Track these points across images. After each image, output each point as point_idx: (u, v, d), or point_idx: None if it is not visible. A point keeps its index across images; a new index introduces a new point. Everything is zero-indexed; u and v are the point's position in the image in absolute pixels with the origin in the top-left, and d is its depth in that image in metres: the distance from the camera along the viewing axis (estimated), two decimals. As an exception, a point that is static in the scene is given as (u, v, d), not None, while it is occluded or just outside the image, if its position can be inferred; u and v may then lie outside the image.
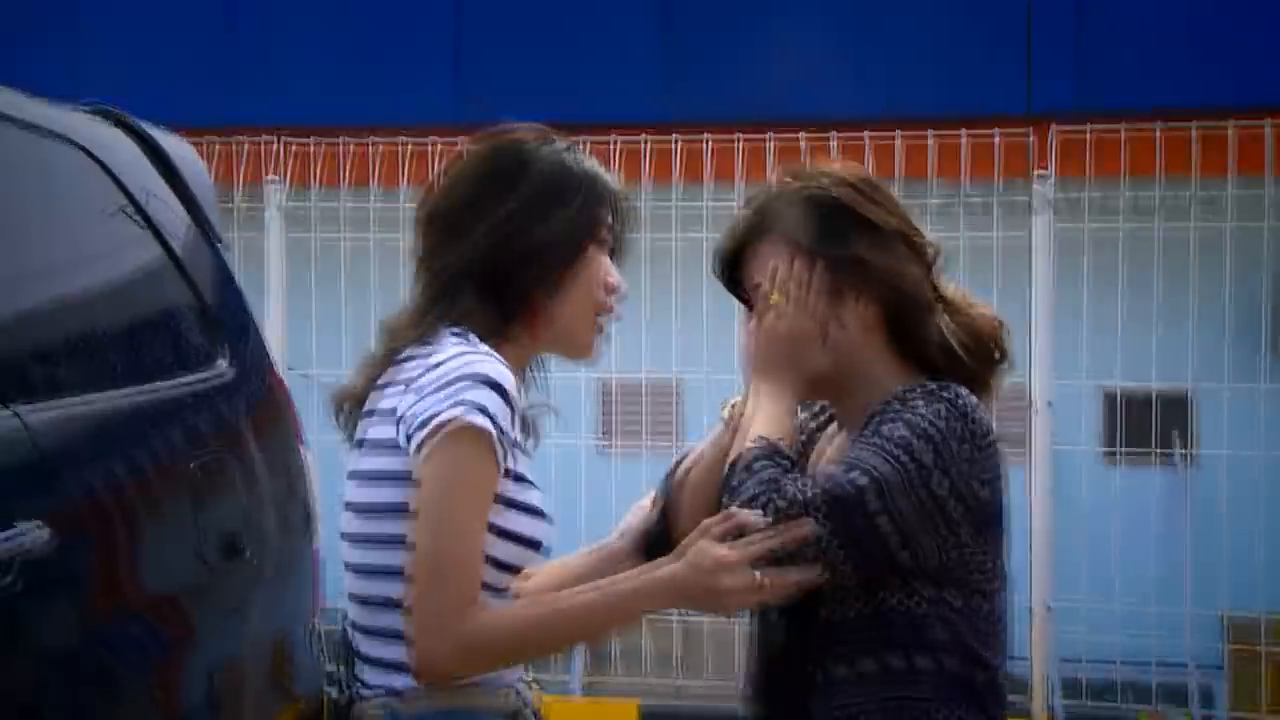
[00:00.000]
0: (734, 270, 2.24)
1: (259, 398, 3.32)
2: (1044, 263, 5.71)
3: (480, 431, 1.96)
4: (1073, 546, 6.00)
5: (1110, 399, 6.64)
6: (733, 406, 2.26)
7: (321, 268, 6.36)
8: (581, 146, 2.21)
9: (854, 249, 2.12)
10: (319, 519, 3.51)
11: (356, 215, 6.37)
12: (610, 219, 2.16)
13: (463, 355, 2.01)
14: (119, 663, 2.65)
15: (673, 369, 6.31)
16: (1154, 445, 6.31)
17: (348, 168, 6.29)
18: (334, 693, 2.21)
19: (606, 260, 2.17)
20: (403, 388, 2.03)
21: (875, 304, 2.14)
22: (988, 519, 2.07)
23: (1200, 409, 6.54)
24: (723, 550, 1.97)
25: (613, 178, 2.19)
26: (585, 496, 6.07)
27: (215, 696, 2.98)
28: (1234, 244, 5.87)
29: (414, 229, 2.20)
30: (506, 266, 2.10)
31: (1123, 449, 6.30)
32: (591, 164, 2.18)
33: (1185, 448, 6.58)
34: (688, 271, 5.95)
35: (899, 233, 2.15)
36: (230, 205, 5.91)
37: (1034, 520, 5.70)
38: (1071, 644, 6.05)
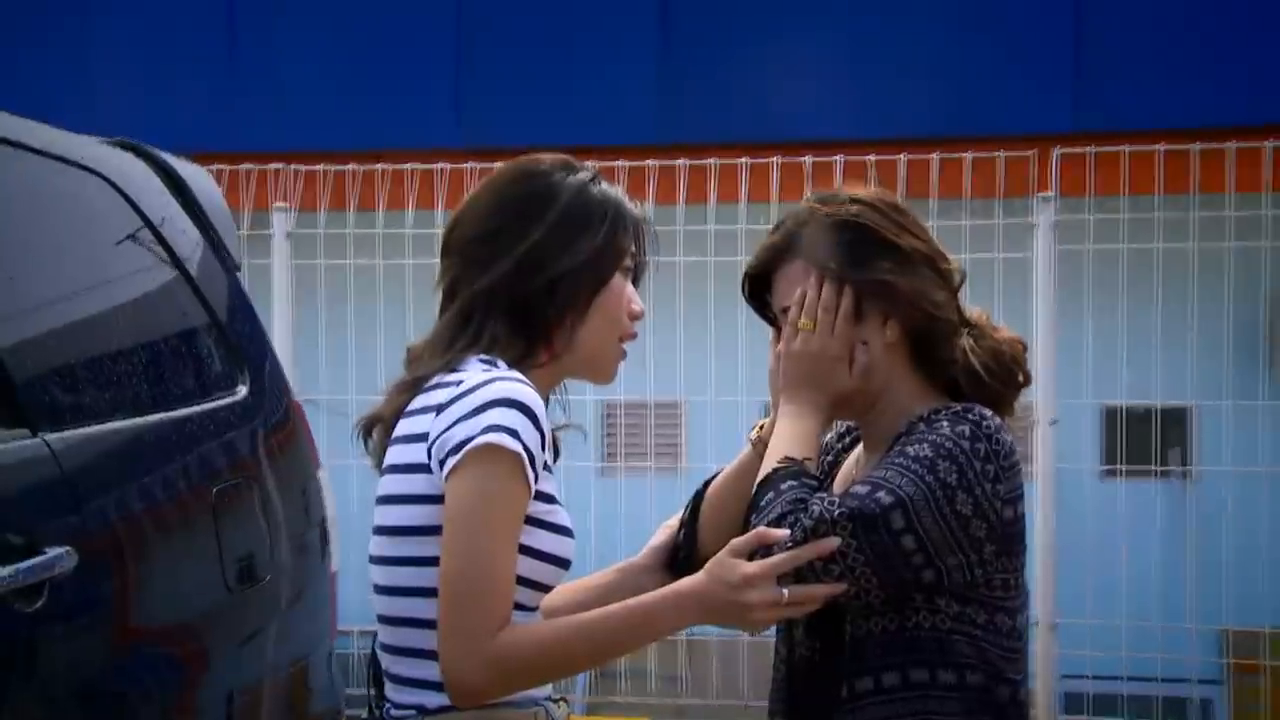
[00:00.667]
0: (761, 292, 2.29)
1: (277, 421, 3.36)
2: (1046, 281, 5.75)
3: (511, 454, 2.00)
4: (1076, 562, 6.03)
5: (1111, 416, 6.68)
6: (760, 428, 2.30)
7: (327, 292, 6.40)
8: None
9: (880, 273, 2.16)
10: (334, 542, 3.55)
11: (362, 239, 6.41)
12: (634, 246, 2.21)
13: (492, 380, 2.05)
14: (143, 686, 2.68)
15: (678, 390, 6.34)
16: (1155, 462, 6.35)
17: (353, 192, 6.33)
18: (364, 715, 2.24)
19: (630, 287, 2.22)
20: (433, 413, 2.06)
21: (901, 327, 2.18)
22: (1010, 538, 2.10)
23: (1201, 425, 6.59)
24: (749, 566, 2.01)
25: (635, 205, 2.23)
26: (592, 517, 6.10)
27: (235, 718, 3.02)
28: (1234, 262, 5.92)
29: (439, 257, 2.23)
30: (533, 295, 2.13)
31: (1124, 465, 6.34)
32: (615, 192, 2.21)
33: (1185, 464, 6.62)
34: (692, 293, 5.99)
35: (925, 257, 2.18)
36: (237, 231, 5.94)
37: (1038, 537, 5.73)
38: (1075, 659, 6.07)
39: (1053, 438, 5.81)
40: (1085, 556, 6.03)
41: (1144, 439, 6.41)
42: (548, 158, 2.23)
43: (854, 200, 2.21)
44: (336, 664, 3.56)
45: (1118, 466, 6.37)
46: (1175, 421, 6.60)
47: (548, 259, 2.14)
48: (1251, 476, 6.07)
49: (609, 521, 5.91)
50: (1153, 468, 6.36)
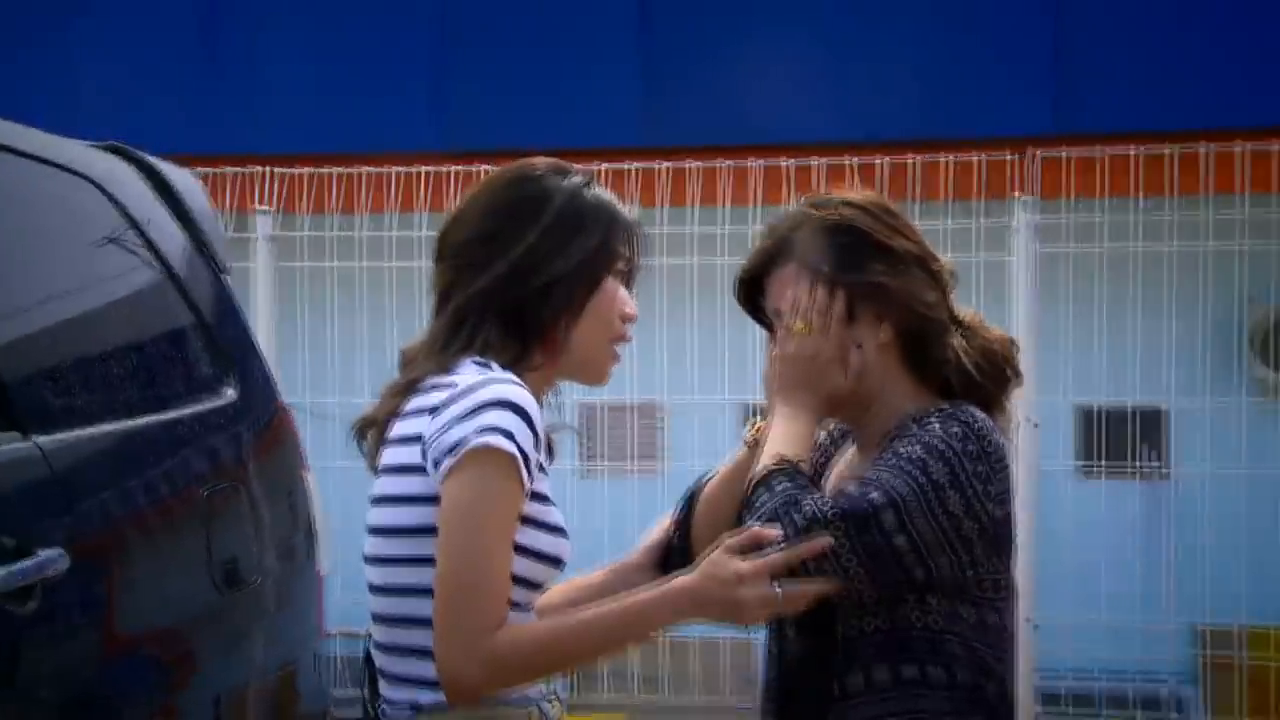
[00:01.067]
0: (755, 296, 2.31)
1: (265, 424, 3.38)
2: (1025, 283, 5.80)
3: (506, 455, 2.02)
4: (1053, 561, 6.08)
5: (1088, 416, 6.73)
6: (756, 428, 2.33)
7: (309, 295, 6.41)
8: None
9: (872, 275, 2.19)
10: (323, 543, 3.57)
11: (343, 243, 6.42)
12: (626, 250, 2.23)
13: (487, 382, 2.07)
14: (132, 687, 2.70)
15: (663, 393, 6.38)
16: (1133, 460, 6.40)
17: (335, 195, 6.34)
18: (357, 714, 2.26)
19: (622, 290, 2.24)
20: (428, 415, 2.09)
21: (893, 328, 2.21)
22: (1000, 537, 2.14)
23: (1177, 425, 6.64)
24: (742, 564, 2.03)
25: (627, 209, 2.26)
26: (574, 518, 6.11)
27: (222, 718, 3.04)
28: (1210, 263, 5.98)
29: (434, 261, 2.25)
30: (527, 298, 2.16)
31: (1102, 464, 6.39)
32: (607, 196, 2.24)
33: (1161, 463, 6.68)
34: (674, 295, 6.01)
35: (916, 258, 2.21)
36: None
37: (1017, 535, 5.76)
38: (1052, 656, 6.12)
39: (1035, 438, 5.85)
40: (1063, 555, 6.08)
41: (1121, 439, 6.46)
42: (541, 162, 2.26)
43: (846, 203, 2.24)
44: (323, 666, 3.58)
45: (1095, 465, 6.42)
46: (1152, 421, 6.66)
47: (542, 263, 2.16)
48: (1227, 476, 6.13)
49: (589, 524, 5.93)
50: (1129, 467, 6.42)
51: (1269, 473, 6.15)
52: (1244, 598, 6.12)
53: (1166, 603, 6.21)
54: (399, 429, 2.13)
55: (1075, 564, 6.14)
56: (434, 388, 2.11)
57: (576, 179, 2.23)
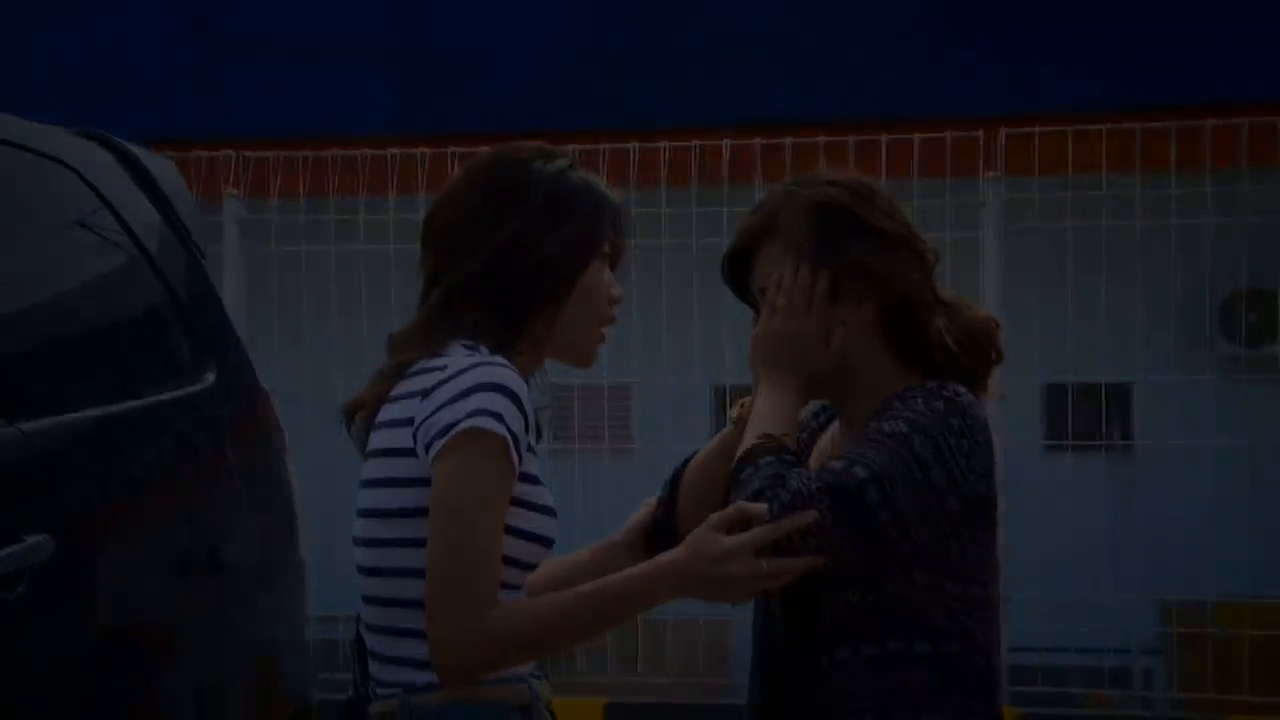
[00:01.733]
0: (739, 274, 2.33)
1: (245, 408, 3.39)
2: (995, 261, 5.84)
3: (496, 437, 2.05)
4: (1025, 537, 6.14)
5: (1057, 392, 6.79)
6: (741, 406, 2.35)
7: (280, 278, 6.40)
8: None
9: (858, 254, 2.21)
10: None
11: (313, 226, 6.41)
12: (611, 232, 2.26)
13: (476, 365, 2.10)
14: (117, 670, 2.72)
15: (636, 374, 6.39)
16: (1101, 437, 6.46)
17: (304, 179, 6.33)
18: (350, 693, 2.28)
19: (608, 272, 2.26)
20: (418, 398, 2.11)
21: (877, 306, 2.23)
22: (983, 511, 2.17)
23: (1146, 402, 6.71)
24: (728, 540, 2.06)
25: (611, 192, 2.28)
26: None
27: (206, 704, 3.05)
28: (1177, 239, 6.04)
29: (421, 245, 2.27)
30: (514, 281, 2.18)
31: (1071, 440, 6.44)
32: (592, 179, 2.26)
33: (1129, 439, 6.75)
34: (645, 277, 6.02)
35: (900, 238, 2.24)
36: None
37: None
38: (1025, 631, 6.18)
39: (1004, 415, 5.90)
40: (1033, 531, 6.13)
41: (1090, 415, 6.52)
42: (525, 146, 2.28)
43: (831, 183, 2.26)
44: (308, 650, 3.59)
45: (1065, 442, 6.48)
46: (1120, 397, 6.72)
47: (529, 246, 2.18)
48: (1195, 450, 6.20)
49: (562, 505, 5.94)
50: (1099, 443, 6.48)
51: (1236, 446, 6.22)
52: (1213, 570, 6.19)
53: (1136, 577, 6.27)
54: (389, 412, 2.15)
55: (1045, 539, 6.19)
56: (423, 371, 2.13)
57: (560, 162, 2.25)
